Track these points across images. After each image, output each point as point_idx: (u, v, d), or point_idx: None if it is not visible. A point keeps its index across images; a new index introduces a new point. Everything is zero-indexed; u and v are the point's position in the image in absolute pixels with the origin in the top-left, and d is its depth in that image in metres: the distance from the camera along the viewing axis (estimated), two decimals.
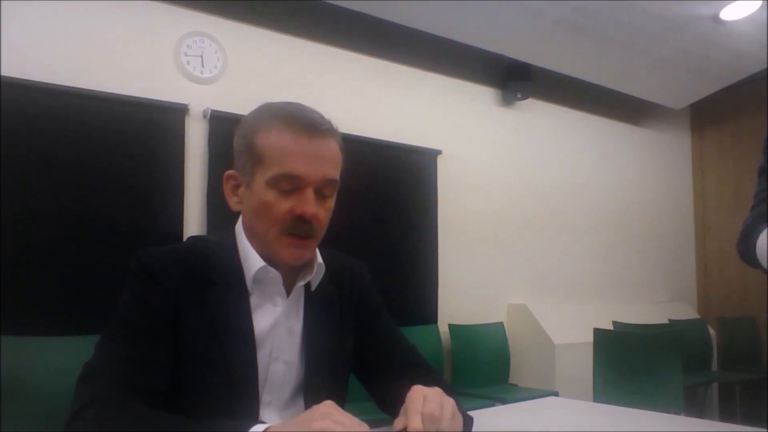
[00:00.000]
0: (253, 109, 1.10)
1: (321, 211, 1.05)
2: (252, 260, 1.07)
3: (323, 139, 1.04)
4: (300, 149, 1.02)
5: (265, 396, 1.07)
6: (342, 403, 1.18)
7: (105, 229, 2.84)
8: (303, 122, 1.03)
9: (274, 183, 1.01)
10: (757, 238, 1.24)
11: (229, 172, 1.10)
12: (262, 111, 1.08)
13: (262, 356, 1.06)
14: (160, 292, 1.01)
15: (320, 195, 1.04)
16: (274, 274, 1.07)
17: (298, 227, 1.02)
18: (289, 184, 1.01)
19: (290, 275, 1.10)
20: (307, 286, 1.13)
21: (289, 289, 1.11)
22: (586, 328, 3.55)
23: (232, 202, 1.10)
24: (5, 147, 2.64)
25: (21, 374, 2.20)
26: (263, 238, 1.05)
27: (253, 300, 1.07)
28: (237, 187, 1.09)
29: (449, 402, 0.90)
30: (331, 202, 1.08)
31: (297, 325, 1.12)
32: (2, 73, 2.66)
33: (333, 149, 1.06)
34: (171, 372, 1.00)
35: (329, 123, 1.07)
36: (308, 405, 1.10)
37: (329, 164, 1.05)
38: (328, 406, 0.81)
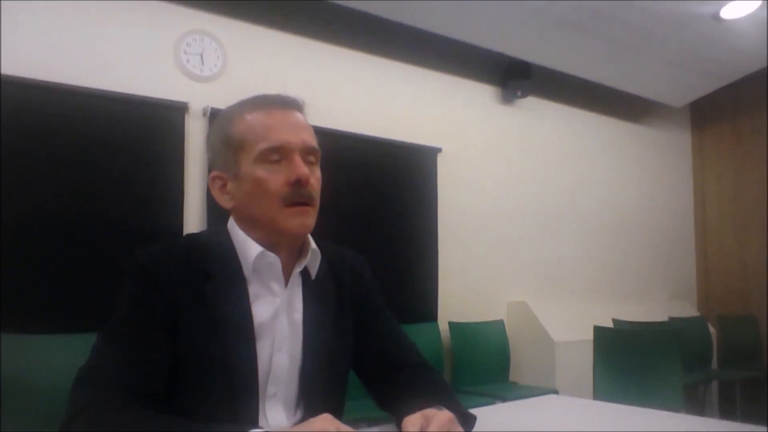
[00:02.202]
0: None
1: (312, 179, 1.07)
2: (249, 248, 1.07)
3: (294, 111, 1.10)
4: (277, 121, 1.06)
5: (270, 388, 1.07)
6: (342, 397, 1.19)
7: (105, 228, 2.84)
8: (271, 99, 1.09)
9: (262, 158, 1.04)
10: None
11: (213, 173, 1.12)
12: (229, 107, 1.13)
13: (264, 348, 1.06)
14: (157, 291, 1.01)
15: (306, 162, 1.07)
16: (273, 258, 1.07)
17: (298, 194, 1.05)
18: (277, 154, 1.05)
19: (287, 264, 1.11)
20: (305, 276, 1.14)
21: (286, 278, 1.11)
22: (586, 326, 3.55)
23: (224, 200, 1.12)
24: (5, 146, 2.64)
25: (21, 373, 2.20)
26: (265, 216, 1.06)
27: (252, 290, 1.07)
28: (224, 185, 1.11)
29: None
30: (318, 172, 1.11)
31: (296, 315, 1.12)
32: (2, 73, 2.66)
33: (304, 120, 1.11)
34: (168, 373, 1.00)
35: (294, 98, 1.12)
36: (306, 398, 1.10)
37: (306, 132, 1.09)
38: (324, 420, 0.81)
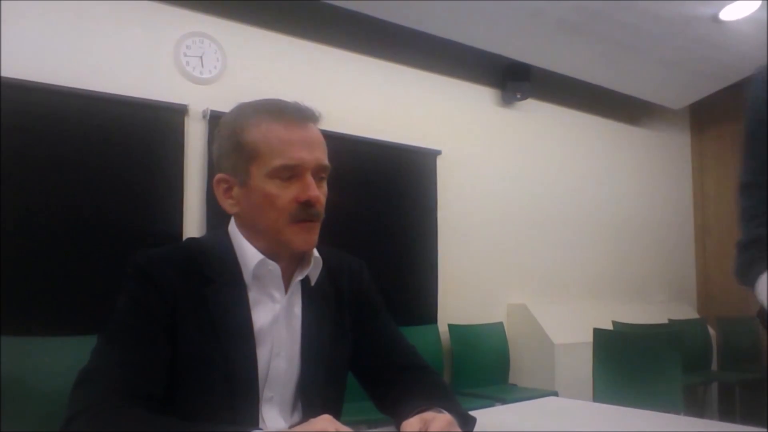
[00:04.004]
0: (229, 111, 1.11)
1: (320, 195, 1.07)
2: (250, 255, 1.07)
3: (311, 125, 1.08)
4: (295, 137, 1.04)
5: (267, 392, 1.07)
6: (340, 401, 1.19)
7: (105, 229, 2.84)
8: (289, 111, 1.06)
9: (276, 174, 1.03)
10: (757, 276, 1.15)
11: (219, 175, 1.10)
12: (243, 109, 1.10)
13: (263, 353, 1.06)
14: (157, 294, 1.01)
15: (317, 179, 1.07)
16: (273, 266, 1.07)
17: (306, 213, 1.04)
18: (290, 172, 1.03)
19: (287, 271, 1.11)
20: (304, 282, 1.14)
21: (286, 285, 1.11)
22: (585, 328, 3.54)
23: (228, 204, 1.10)
24: (5, 147, 2.64)
25: (21, 374, 2.20)
26: (271, 230, 1.05)
27: (252, 296, 1.07)
28: (230, 189, 1.09)
29: None
30: (325, 187, 1.11)
31: (295, 321, 1.12)
32: (2, 74, 2.66)
33: (319, 134, 1.10)
34: (168, 376, 0.99)
35: (311, 109, 1.10)
36: (304, 403, 1.10)
37: (321, 149, 1.08)
38: (324, 421, 0.81)
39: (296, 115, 1.07)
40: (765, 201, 1.15)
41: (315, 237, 1.08)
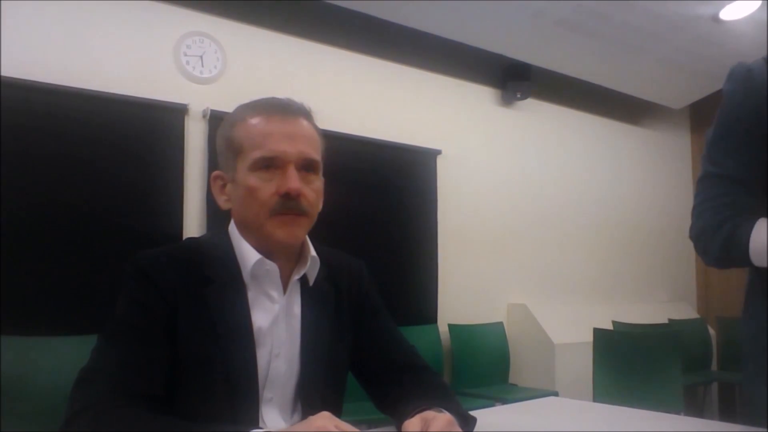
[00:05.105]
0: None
1: (307, 190, 1.05)
2: (248, 255, 1.07)
3: (296, 119, 1.07)
4: (274, 129, 1.04)
5: (266, 393, 1.07)
6: (339, 402, 1.19)
7: (104, 229, 2.84)
8: (274, 105, 1.07)
9: (256, 167, 1.03)
10: (748, 234, 1.08)
11: (216, 172, 1.13)
12: (238, 108, 1.12)
13: (262, 354, 1.06)
14: (157, 294, 1.01)
15: (303, 173, 1.06)
16: (271, 266, 1.07)
17: (286, 205, 1.03)
18: (271, 164, 1.03)
19: (286, 270, 1.10)
20: (303, 282, 1.13)
21: (285, 285, 1.11)
22: (585, 328, 3.55)
23: (221, 200, 1.12)
24: (5, 147, 2.64)
25: (21, 374, 2.20)
26: (254, 223, 1.05)
27: (251, 296, 1.07)
28: (224, 186, 1.11)
29: None
30: (318, 183, 1.09)
31: (294, 321, 1.12)
32: (2, 73, 2.66)
33: (307, 128, 1.09)
34: (168, 375, 0.99)
35: (301, 105, 1.10)
36: (303, 403, 1.10)
37: (305, 142, 1.07)
38: (324, 418, 0.81)
39: (280, 109, 1.07)
40: (736, 194, 1.14)
41: (299, 230, 1.06)
